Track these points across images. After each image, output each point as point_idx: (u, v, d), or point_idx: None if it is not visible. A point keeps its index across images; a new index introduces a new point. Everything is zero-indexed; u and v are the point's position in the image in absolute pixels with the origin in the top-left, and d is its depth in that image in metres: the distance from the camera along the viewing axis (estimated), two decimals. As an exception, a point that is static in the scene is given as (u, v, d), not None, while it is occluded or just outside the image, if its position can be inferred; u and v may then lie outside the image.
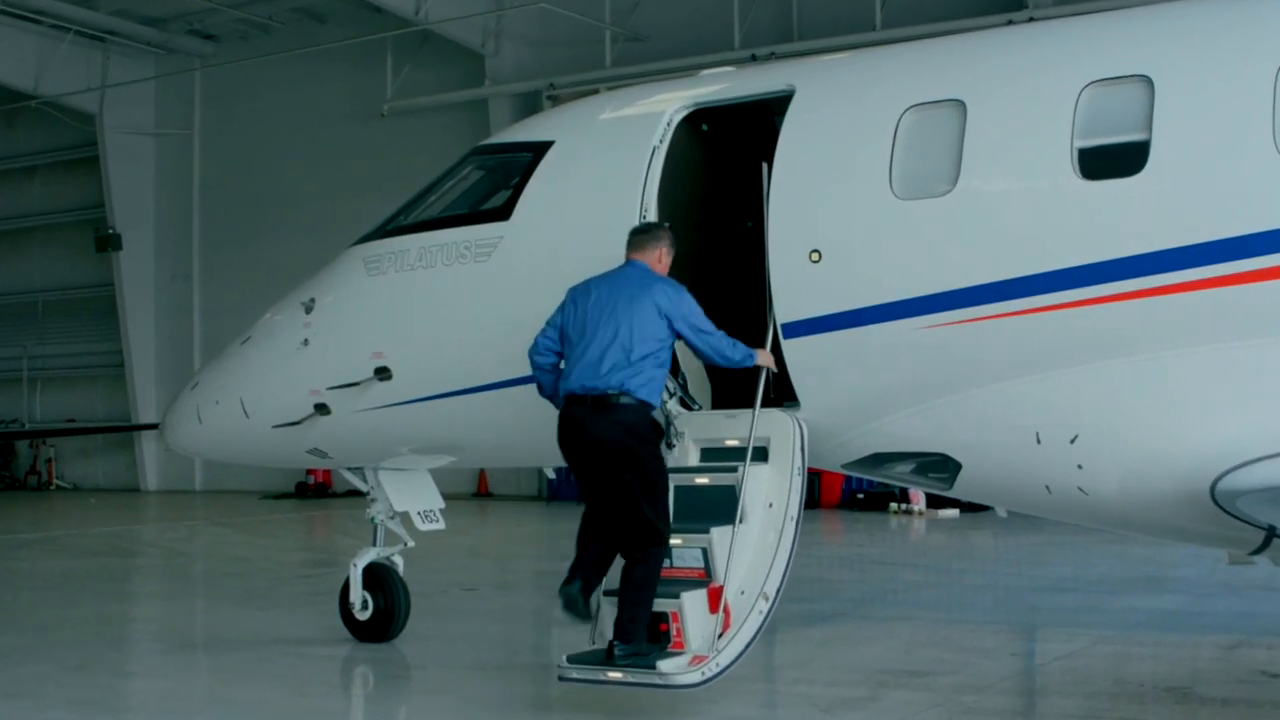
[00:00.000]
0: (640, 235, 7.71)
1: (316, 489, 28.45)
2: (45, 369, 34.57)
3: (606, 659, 7.13)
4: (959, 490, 7.85)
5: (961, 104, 7.44)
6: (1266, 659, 9.16)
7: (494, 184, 9.23)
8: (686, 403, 7.99)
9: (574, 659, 7.27)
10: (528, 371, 7.93)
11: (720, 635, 7.05)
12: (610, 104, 9.19)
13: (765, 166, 7.97)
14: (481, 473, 27.18)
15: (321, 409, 9.37)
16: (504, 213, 8.75)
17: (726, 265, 8.71)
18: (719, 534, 7.26)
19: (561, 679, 7.30)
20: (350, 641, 10.12)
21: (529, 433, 8.59)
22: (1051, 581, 13.61)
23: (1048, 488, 7.39)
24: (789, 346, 7.71)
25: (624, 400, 7.26)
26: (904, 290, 7.36)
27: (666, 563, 7.31)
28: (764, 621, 7.18)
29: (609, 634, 7.18)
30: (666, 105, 8.50)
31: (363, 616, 10.10)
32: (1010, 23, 18.41)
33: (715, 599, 7.15)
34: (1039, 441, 7.26)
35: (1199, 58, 7.09)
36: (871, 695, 8.10)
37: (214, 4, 28.04)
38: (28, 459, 34.71)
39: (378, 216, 9.91)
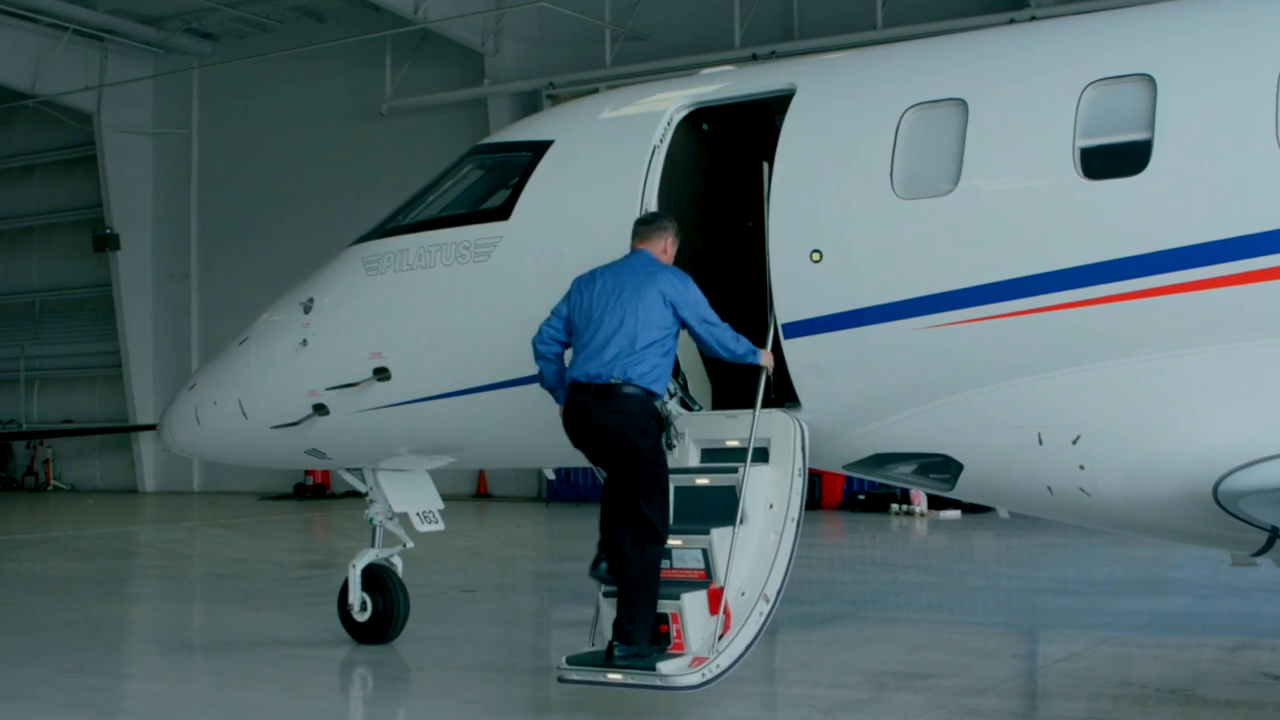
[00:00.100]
0: (646, 225, 7.70)
1: (315, 490, 28.44)
2: (43, 369, 34.56)
3: (606, 660, 7.10)
4: (960, 491, 7.82)
5: (963, 103, 7.41)
6: (1269, 661, 9.13)
7: (493, 184, 9.20)
8: (687, 403, 7.96)
9: (574, 660, 7.24)
10: (527, 372, 7.90)
11: (721, 637, 7.02)
12: (610, 103, 9.16)
13: (766, 166, 7.94)
14: (481, 474, 27.17)
15: (320, 410, 9.34)
16: (503, 212, 8.73)
17: (727, 265, 8.67)
18: (719, 535, 7.23)
19: (561, 681, 7.27)
20: (349, 643, 10.09)
21: (529, 433, 8.57)
22: (1053, 583, 13.59)
23: (1050, 489, 7.36)
24: (790, 347, 7.67)
25: (627, 390, 7.25)
26: (906, 290, 7.33)
27: (667, 564, 7.28)
28: (765, 623, 7.15)
29: (609, 635, 7.15)
30: (667, 104, 8.47)
31: (361, 618, 10.08)
32: (1012, 21, 18.39)
33: (715, 600, 7.12)
34: (1041, 442, 7.23)
35: (1202, 57, 7.05)
36: (872, 697, 8.07)
37: (212, 3, 28.03)
38: (25, 460, 34.70)
39: (376, 216, 9.88)
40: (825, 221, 7.63)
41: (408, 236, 9.13)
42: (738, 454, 7.50)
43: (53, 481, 33.79)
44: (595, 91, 17.39)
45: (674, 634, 7.10)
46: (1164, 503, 7.13)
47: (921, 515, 21.24)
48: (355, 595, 10.06)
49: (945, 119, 7.43)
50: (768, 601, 7.15)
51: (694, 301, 7.38)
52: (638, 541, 7.15)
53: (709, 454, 7.76)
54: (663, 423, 7.53)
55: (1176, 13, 7.51)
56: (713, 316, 7.43)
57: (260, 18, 29.15)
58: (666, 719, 7.64)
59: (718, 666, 6.95)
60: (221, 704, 8.56)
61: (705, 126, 8.70)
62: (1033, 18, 18.44)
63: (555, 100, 24.67)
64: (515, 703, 8.32)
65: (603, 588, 7.37)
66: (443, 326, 8.90)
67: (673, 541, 7.30)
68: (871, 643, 10.20)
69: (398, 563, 10.20)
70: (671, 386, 7.77)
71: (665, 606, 7.11)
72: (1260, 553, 7.51)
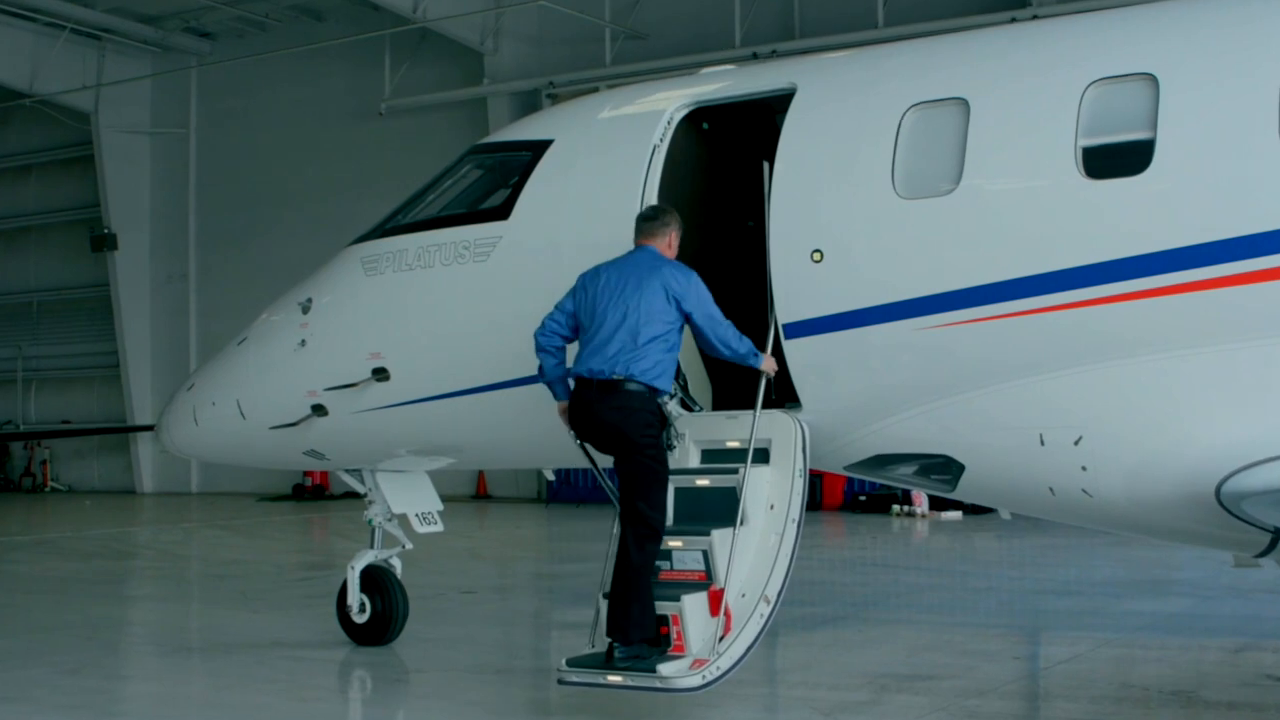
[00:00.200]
0: (649, 220, 7.68)
1: (313, 491, 28.42)
2: (40, 370, 34.54)
3: (606, 662, 7.07)
4: (962, 492, 7.79)
5: (965, 102, 7.38)
6: (1272, 662, 9.11)
7: (493, 183, 9.17)
8: (687, 404, 7.93)
9: (573, 662, 7.21)
10: (527, 372, 7.87)
11: (721, 638, 6.99)
12: (610, 102, 9.13)
13: (766, 165, 7.92)
14: (480, 474, 27.15)
15: (319, 410, 9.32)
16: (503, 212, 8.70)
17: (727, 265, 8.64)
18: (720, 536, 7.20)
19: (561, 682, 7.23)
20: (348, 645, 10.06)
21: (529, 434, 8.55)
22: (1055, 584, 13.57)
23: (1051, 489, 7.34)
24: (790, 347, 7.65)
25: (630, 386, 7.23)
26: (907, 290, 7.31)
27: (667, 565, 7.26)
28: (765, 624, 7.12)
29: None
30: (667, 104, 8.44)
31: (360, 619, 10.05)
32: (1014, 20, 18.35)
33: (716, 602, 7.09)
34: (1043, 443, 7.21)
35: (1204, 56, 7.03)
36: (873, 699, 8.04)
37: (211, 2, 28.03)
38: (23, 461, 34.66)
39: (375, 216, 9.85)
40: (826, 221, 7.60)
41: (407, 236, 9.10)
42: (738, 455, 7.47)
43: (50, 482, 33.76)
44: (595, 91, 17.35)
45: (674, 636, 7.07)
46: (1166, 504, 7.11)
47: (923, 516, 21.22)
48: (354, 596, 10.03)
49: (947, 118, 7.41)
50: (768, 603, 7.12)
51: (698, 296, 7.36)
52: (639, 540, 7.12)
53: (709, 455, 7.73)
54: (665, 420, 7.49)
55: (1178, 12, 7.49)
56: (717, 313, 7.41)
57: (259, 17, 29.13)
58: (667, 721, 7.62)
59: (718, 668, 6.92)
60: (220, 706, 8.53)
61: (705, 126, 8.67)
62: (1034, 17, 18.41)
63: (555, 100, 24.65)
64: (515, 704, 8.28)
65: (601, 593, 7.32)
66: (442, 327, 8.87)
67: (673, 543, 7.27)
68: (872, 644, 10.17)
69: (397, 564, 10.17)
70: (672, 387, 7.74)
71: (665, 608, 7.08)
72: (1263, 554, 7.49)
